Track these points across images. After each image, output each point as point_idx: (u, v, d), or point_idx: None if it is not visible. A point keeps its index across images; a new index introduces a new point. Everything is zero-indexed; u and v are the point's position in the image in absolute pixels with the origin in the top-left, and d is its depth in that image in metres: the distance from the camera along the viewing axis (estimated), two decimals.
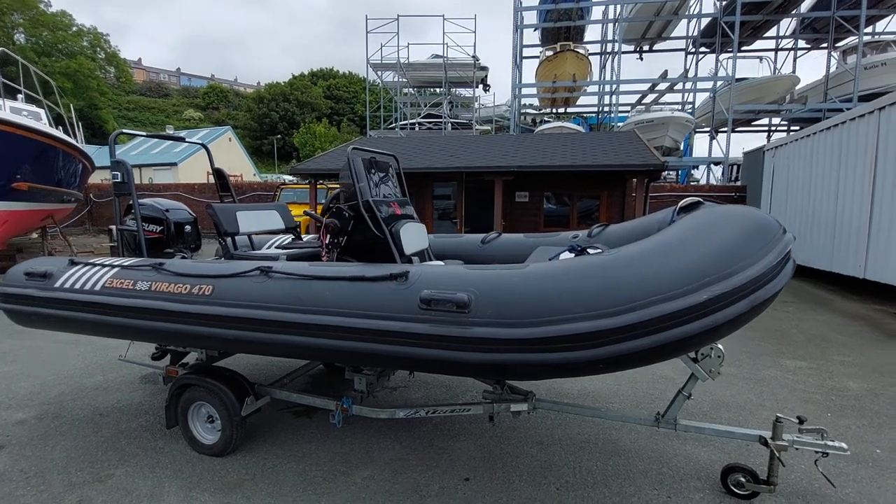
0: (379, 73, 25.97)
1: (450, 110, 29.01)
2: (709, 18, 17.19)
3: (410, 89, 29.34)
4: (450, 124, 25.80)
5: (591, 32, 21.51)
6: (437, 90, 31.84)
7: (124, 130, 3.60)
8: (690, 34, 18.99)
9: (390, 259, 2.89)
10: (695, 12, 17.17)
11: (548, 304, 1.83)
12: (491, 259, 3.62)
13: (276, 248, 3.93)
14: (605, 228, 3.42)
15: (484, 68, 28.10)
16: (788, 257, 2.03)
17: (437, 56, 26.92)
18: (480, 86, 29.74)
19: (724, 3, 15.51)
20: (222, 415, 2.80)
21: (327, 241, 2.93)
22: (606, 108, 18.59)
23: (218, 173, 4.23)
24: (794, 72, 17.99)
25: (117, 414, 3.50)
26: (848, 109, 14.96)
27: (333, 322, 2.08)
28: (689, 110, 18.44)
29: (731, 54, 16.09)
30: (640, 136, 9.99)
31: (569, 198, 9.67)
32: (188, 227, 3.92)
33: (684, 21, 18.21)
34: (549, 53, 18.24)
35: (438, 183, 10.61)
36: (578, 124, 20.21)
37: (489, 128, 32.22)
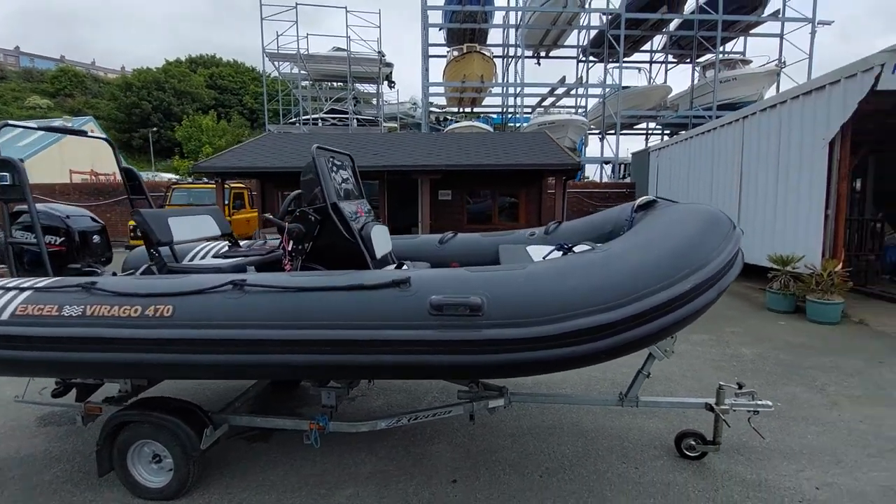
0: (276, 63, 24.41)
1: (354, 106, 28.32)
2: (596, 31, 18.96)
3: (310, 82, 28.02)
4: (355, 121, 25.20)
5: (494, 36, 22.45)
6: (339, 85, 30.85)
7: (10, 122, 2.95)
8: (581, 44, 20.78)
9: (361, 264, 2.75)
10: (585, 24, 18.83)
11: (556, 302, 1.90)
12: (450, 258, 3.63)
13: (214, 257, 3.51)
14: (559, 226, 3.62)
15: (389, 64, 27.85)
16: (740, 249, 2.34)
17: (339, 49, 26.06)
18: (385, 82, 29.45)
19: (609, 17, 17.22)
20: (175, 452, 2.45)
21: (290, 248, 2.70)
22: (511, 109, 19.61)
23: (127, 173, 3.67)
24: (665, 82, 20.63)
25: (23, 466, 2.89)
26: (709, 117, 17.58)
27: (332, 336, 1.94)
28: (582, 113, 20.19)
29: (616, 64, 17.96)
30: (551, 137, 10.75)
31: (490, 196, 10.03)
32: (96, 238, 3.35)
33: (577, 31, 19.89)
34: (457, 54, 18.69)
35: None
36: (486, 124, 21.03)
37: (396, 125, 32.05)
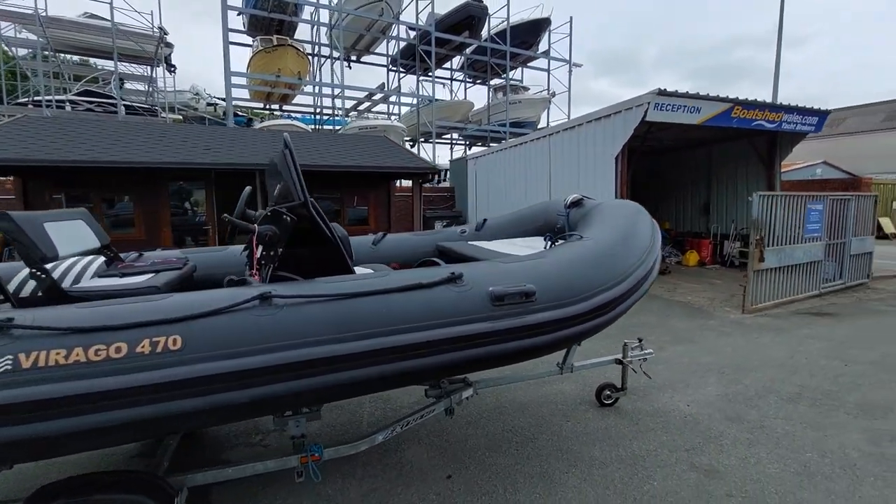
0: None
1: (119, 88, 23.20)
2: (405, 43, 20.11)
3: (50, 54, 21.71)
4: (123, 107, 20.68)
5: (302, 32, 21.30)
6: (95, 61, 25.04)
7: None
8: (391, 53, 21.68)
9: (342, 269, 2.51)
10: (397, 35, 19.75)
11: (583, 283, 2.20)
12: (386, 259, 3.55)
13: (96, 276, 2.56)
14: (485, 223, 3.92)
15: (170, 45, 23.69)
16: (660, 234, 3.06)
17: (92, 16, 21.00)
18: (163, 65, 24.94)
19: (419, 33, 18.51)
20: None
21: (260, 254, 2.26)
22: (328, 111, 19.08)
23: None
24: (465, 98, 23.29)
25: None
26: (504, 132, 20.66)
27: (396, 342, 1.78)
28: (396, 120, 21.12)
29: (425, 77, 19.45)
30: (393, 141, 10.97)
31: (340, 199, 9.68)
32: None
33: (387, 41, 20.65)
34: (267, 45, 17.15)
35: (178, 182, 8.59)
36: (307, 123, 19.90)
37: (178, 116, 27.54)
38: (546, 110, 22.28)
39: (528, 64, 22.76)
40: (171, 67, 27.52)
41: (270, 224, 2.32)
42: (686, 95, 7.84)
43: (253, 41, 18.71)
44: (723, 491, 2.58)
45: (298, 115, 22.17)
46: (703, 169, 12.39)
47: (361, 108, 21.51)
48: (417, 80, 19.44)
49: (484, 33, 20.42)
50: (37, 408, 1.36)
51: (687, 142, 11.78)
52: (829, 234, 7.93)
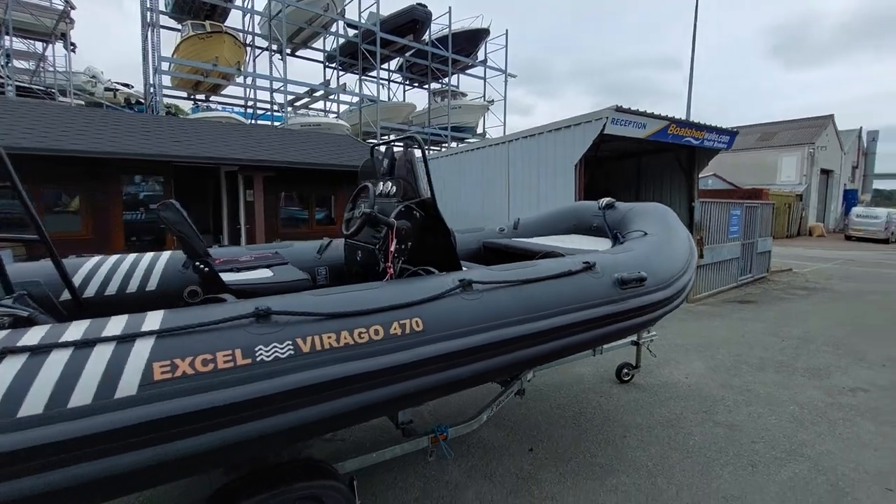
0: None
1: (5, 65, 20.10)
2: (345, 40, 19.79)
3: None
4: (13, 87, 18.02)
5: (233, 19, 19.86)
6: None
7: None
8: (328, 49, 21.19)
9: (454, 264, 2.72)
10: (338, 32, 19.36)
11: (670, 270, 2.68)
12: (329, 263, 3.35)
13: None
14: (520, 221, 4.28)
15: (71, 20, 20.96)
16: None
17: None
18: (61, 41, 22.02)
19: (363, 31, 18.38)
20: None
21: (394, 248, 2.40)
22: (264, 105, 18.11)
23: None
24: (404, 100, 23.46)
25: None
26: (445, 136, 21.17)
27: (556, 323, 2.08)
28: (334, 118, 20.71)
29: (366, 76, 19.38)
30: (357, 139, 10.82)
31: (306, 198, 9.39)
32: None
33: (324, 36, 20.14)
34: (200, 31, 15.85)
35: (133, 175, 7.75)
36: (243, 116, 18.63)
37: (82, 102, 24.48)
38: (483, 117, 23.23)
39: (466, 71, 23.57)
40: (69, 46, 24.42)
41: (404, 220, 2.50)
42: (636, 112, 8.88)
43: (182, 25, 17.24)
44: (748, 439, 3.21)
45: (230, 109, 20.77)
46: (632, 178, 13.91)
47: (298, 104, 20.75)
48: (360, 79, 19.27)
49: (425, 38, 20.78)
50: (319, 390, 1.46)
51: (621, 153, 13.17)
52: (743, 235, 9.48)
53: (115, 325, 1.35)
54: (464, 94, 23.44)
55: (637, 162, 13.60)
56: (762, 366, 4.69)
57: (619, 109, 8.49)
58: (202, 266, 1.97)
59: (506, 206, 11.07)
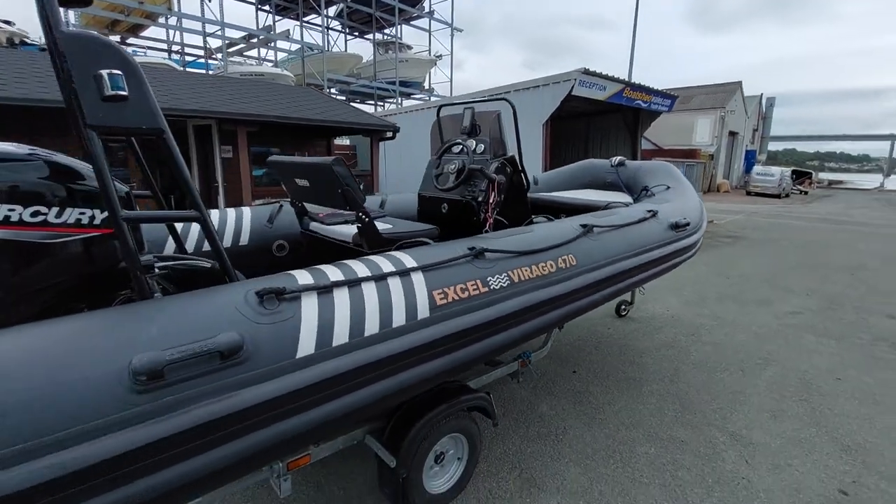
0: None
1: None
2: None
3: None
4: None
5: None
6: None
7: None
8: None
9: (527, 213, 3.09)
10: None
11: (696, 218, 3.26)
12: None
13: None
14: (536, 178, 4.68)
15: None
16: None
17: None
18: None
19: None
20: (473, 440, 2.27)
21: (493, 200, 2.72)
22: (194, 51, 16.32)
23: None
24: (346, 50, 22.27)
25: None
26: (392, 90, 20.59)
27: (640, 261, 2.58)
28: (275, 68, 19.30)
29: (305, 23, 18.10)
30: (330, 95, 10.28)
31: (284, 154, 8.97)
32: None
33: None
34: None
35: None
36: (179, 64, 16.61)
37: None
38: (431, 70, 22.83)
39: (411, 21, 22.78)
40: None
41: (501, 175, 2.81)
42: (600, 76, 9.47)
43: None
44: (731, 352, 4.04)
45: (147, 54, 18.49)
46: (581, 137, 14.77)
47: (231, 50, 18.99)
48: (301, 25, 17.99)
49: None
50: (525, 312, 1.83)
51: (577, 113, 13.88)
52: None
53: (361, 267, 1.59)
54: (409, 47, 22.77)
55: (587, 122, 14.42)
56: (721, 299, 5.67)
57: (586, 72, 9.01)
58: (363, 216, 2.15)
59: None
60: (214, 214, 2.83)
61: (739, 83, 30.25)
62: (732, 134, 31.52)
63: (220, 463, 1.04)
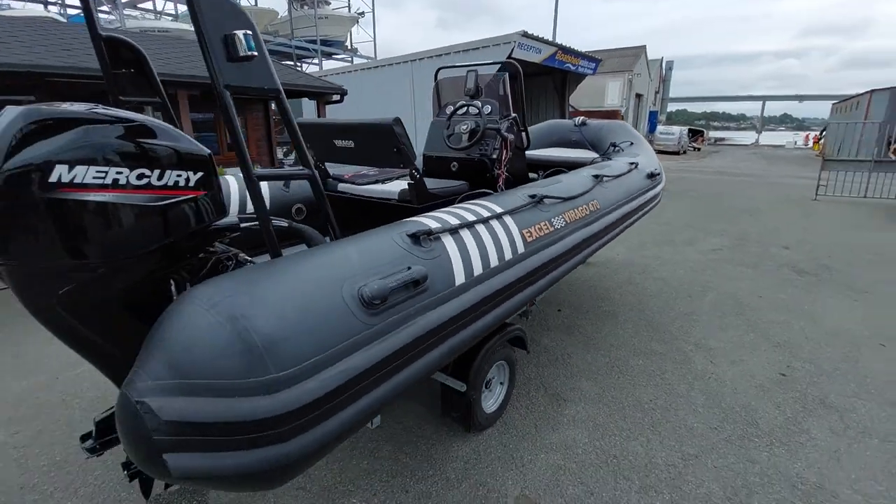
0: None
1: None
2: None
3: None
4: None
5: None
6: None
7: None
8: None
9: (524, 170, 3.41)
10: None
11: (658, 169, 3.81)
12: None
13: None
14: None
15: None
16: None
17: None
18: None
19: None
20: (513, 367, 2.64)
21: (505, 157, 2.97)
22: (75, 1, 14.00)
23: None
24: (256, 4, 20.43)
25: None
26: (313, 49, 19.41)
27: (635, 204, 3.06)
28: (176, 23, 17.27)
29: None
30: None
31: (217, 120, 8.27)
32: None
33: None
34: None
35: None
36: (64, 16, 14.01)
37: None
38: (352, 28, 21.80)
39: None
40: None
41: (511, 133, 3.08)
42: (536, 38, 9.85)
43: None
44: (677, 283, 4.80)
45: (33, 5, 15.57)
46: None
47: (125, 1, 16.60)
48: None
49: None
50: (574, 248, 2.19)
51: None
52: None
53: (467, 213, 1.83)
54: (327, 2, 21.44)
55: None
56: (657, 243, 6.53)
57: (525, 35, 9.35)
58: (415, 172, 2.31)
59: (413, 129, 11.41)
60: (232, 181, 2.81)
61: (644, 47, 32.47)
62: (639, 96, 34.08)
63: (416, 374, 1.28)
